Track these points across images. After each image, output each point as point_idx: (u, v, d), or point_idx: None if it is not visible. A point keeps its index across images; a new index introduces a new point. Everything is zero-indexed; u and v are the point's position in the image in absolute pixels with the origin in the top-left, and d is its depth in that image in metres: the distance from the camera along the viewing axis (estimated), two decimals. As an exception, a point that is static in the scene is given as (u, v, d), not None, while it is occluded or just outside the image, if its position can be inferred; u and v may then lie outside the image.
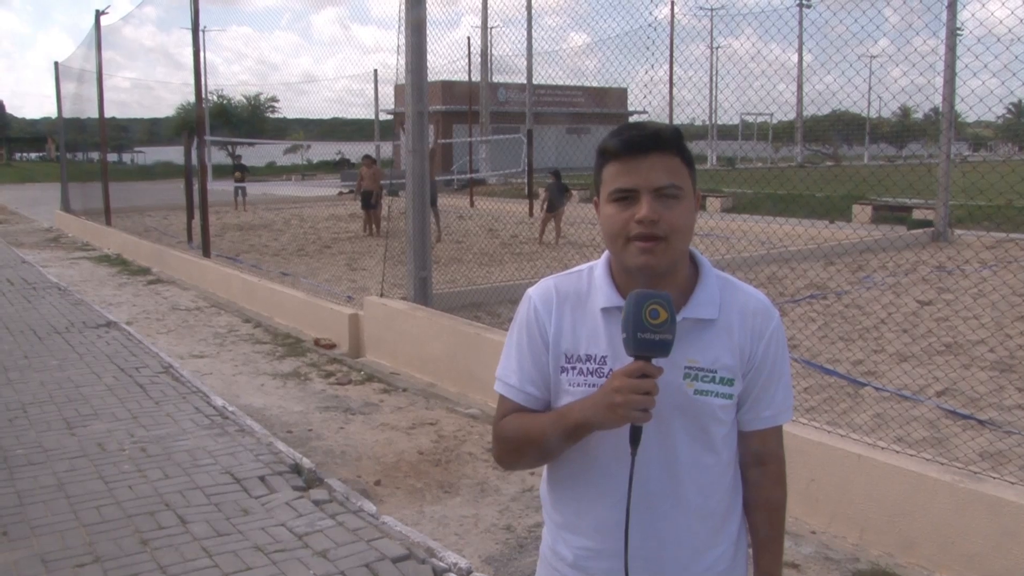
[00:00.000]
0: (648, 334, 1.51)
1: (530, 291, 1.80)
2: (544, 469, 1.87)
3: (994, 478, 4.07)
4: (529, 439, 1.72)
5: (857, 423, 5.58)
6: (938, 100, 14.82)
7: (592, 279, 1.74)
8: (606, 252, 1.75)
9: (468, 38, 27.88)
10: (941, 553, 3.92)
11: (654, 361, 1.53)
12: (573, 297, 1.74)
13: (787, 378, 1.76)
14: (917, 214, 17.85)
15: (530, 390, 1.75)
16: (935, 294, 10.38)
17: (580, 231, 16.16)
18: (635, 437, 1.57)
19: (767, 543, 1.80)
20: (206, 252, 13.00)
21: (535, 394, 1.75)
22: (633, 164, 1.61)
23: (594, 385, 1.65)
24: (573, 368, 1.70)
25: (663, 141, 1.62)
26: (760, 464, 1.78)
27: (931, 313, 9.21)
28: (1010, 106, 44.32)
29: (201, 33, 12.87)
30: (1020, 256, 12.57)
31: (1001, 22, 5.84)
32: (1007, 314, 8.90)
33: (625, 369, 1.54)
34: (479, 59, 31.40)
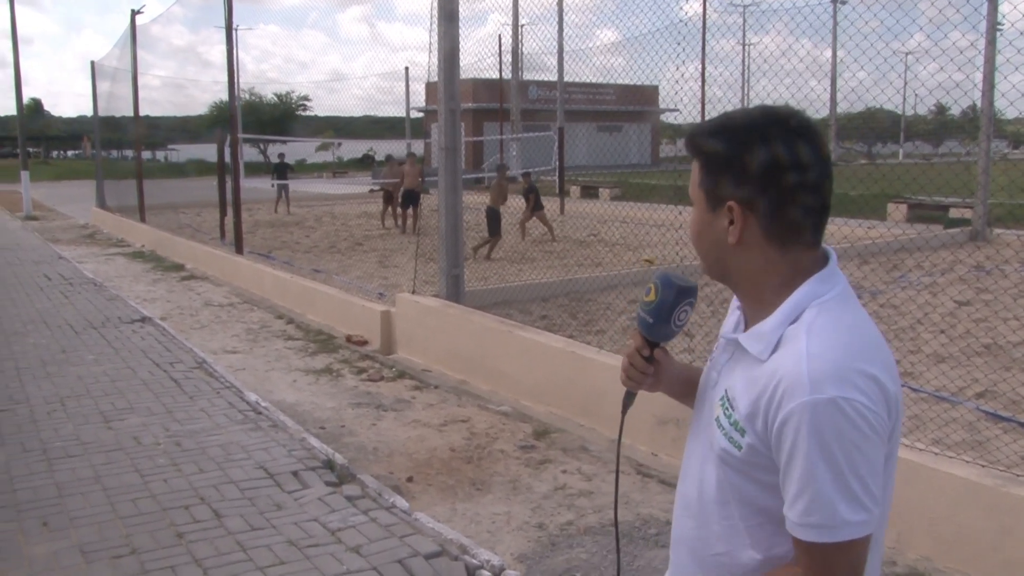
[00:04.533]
0: (640, 308, 1.60)
1: None
2: None
3: (1037, 481, 4.01)
4: None
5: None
6: (975, 96, 14.58)
7: None
8: None
9: (499, 36, 27.92)
10: (980, 558, 3.86)
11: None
12: None
13: (814, 490, 1.29)
14: (954, 213, 17.59)
15: None
16: (973, 294, 10.22)
17: (611, 230, 16.09)
18: (625, 401, 1.73)
19: None
20: (239, 249, 13.11)
21: None
22: None
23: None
24: None
25: (688, 139, 1.49)
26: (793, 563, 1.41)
27: (969, 313, 9.07)
28: (1050, 103, 43.48)
29: (232, 32, 12.91)
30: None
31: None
32: (1047, 315, 8.74)
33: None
34: (508, 57, 31.46)
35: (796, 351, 1.33)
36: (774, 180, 1.38)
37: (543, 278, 11.15)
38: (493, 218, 14.27)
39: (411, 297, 8.19)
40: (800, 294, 1.40)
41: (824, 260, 1.46)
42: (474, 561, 3.86)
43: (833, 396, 1.28)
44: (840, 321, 1.37)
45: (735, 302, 1.57)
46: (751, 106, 1.50)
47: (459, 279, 8.00)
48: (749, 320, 1.50)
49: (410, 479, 5.10)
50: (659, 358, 1.65)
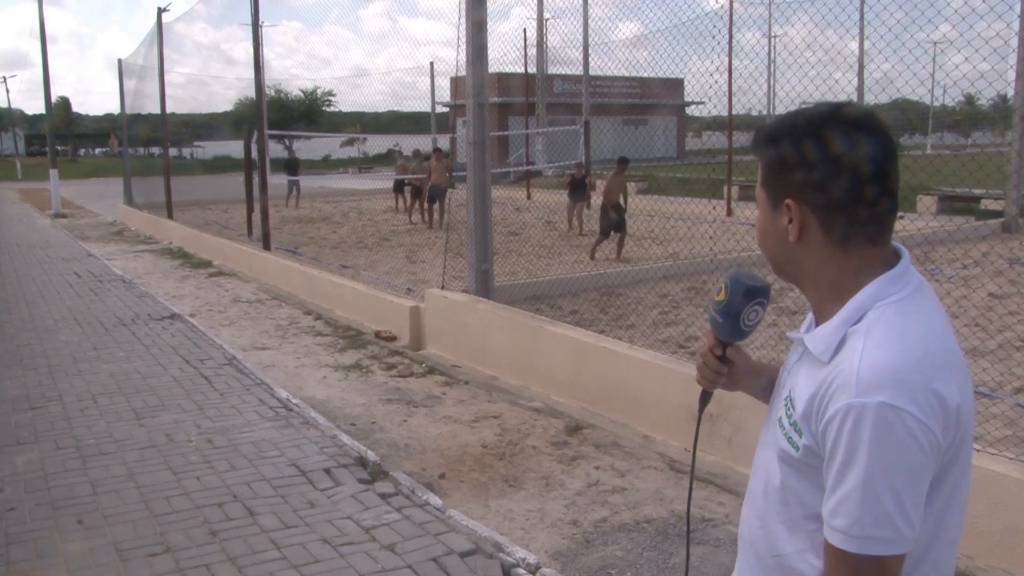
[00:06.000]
0: (711, 306, 1.61)
1: None
2: None
3: (1083, 479, 3.92)
4: None
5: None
6: (1001, 87, 14.36)
7: None
8: None
9: (524, 30, 27.78)
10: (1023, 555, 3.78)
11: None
12: None
13: (845, 492, 1.27)
14: (985, 204, 17.34)
15: None
16: (1009, 287, 10.05)
17: (639, 223, 15.99)
18: (701, 400, 1.75)
19: None
20: (266, 245, 13.14)
21: None
22: None
23: None
24: None
25: (757, 142, 1.46)
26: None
27: (1006, 307, 8.91)
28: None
29: (253, 29, 12.92)
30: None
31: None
32: (1086, 308, 8.58)
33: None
34: (531, 51, 31.33)
35: (853, 352, 1.30)
36: (829, 175, 1.34)
37: (572, 273, 11.09)
38: (614, 214, 13.30)
39: (440, 292, 8.17)
40: (864, 295, 1.36)
41: (895, 259, 1.40)
42: (509, 559, 3.82)
43: (880, 402, 1.23)
44: (905, 324, 1.31)
45: None
46: (819, 102, 1.43)
47: (488, 274, 7.96)
48: (818, 321, 1.45)
49: (442, 476, 5.08)
50: (732, 357, 1.65)
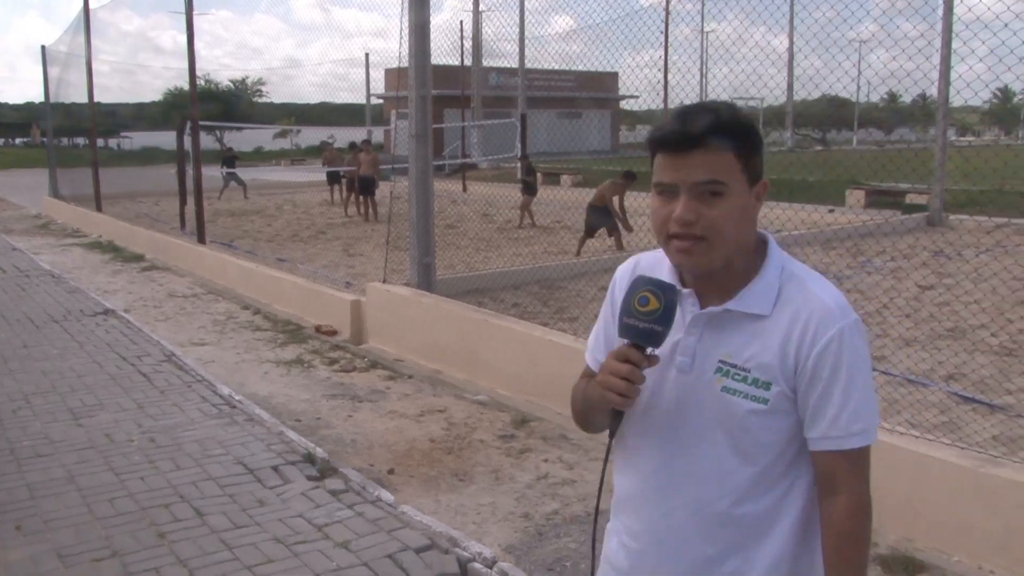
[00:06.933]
0: (632, 320, 1.53)
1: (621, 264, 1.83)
2: None
3: (1014, 462, 4.08)
4: (574, 402, 1.81)
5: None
6: (925, 86, 14.83)
7: (665, 259, 1.70)
8: None
9: (461, 22, 27.69)
10: (961, 536, 3.92)
11: (652, 351, 1.56)
12: (648, 272, 1.69)
13: (857, 398, 1.52)
14: (910, 199, 17.88)
15: (600, 357, 1.74)
16: (935, 278, 10.40)
17: (575, 215, 16.08)
18: (612, 421, 1.59)
19: None
20: (201, 238, 12.89)
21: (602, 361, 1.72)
22: (676, 157, 1.53)
23: None
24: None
25: (710, 132, 1.50)
26: (829, 493, 1.57)
27: (932, 298, 9.22)
28: (996, 91, 44.40)
29: (188, 17, 12.58)
30: (1014, 240, 12.62)
31: (988, 8, 5.88)
32: (1007, 299, 8.91)
33: (613, 351, 1.57)
34: (467, 44, 31.21)
35: (811, 293, 1.56)
36: (761, 155, 1.59)
37: (511, 266, 11.12)
38: (599, 214, 13.10)
39: (382, 286, 8.12)
40: (777, 254, 1.62)
41: None
42: (465, 554, 3.83)
43: (855, 319, 1.55)
44: (810, 271, 1.63)
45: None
46: (707, 100, 1.73)
47: (431, 268, 7.94)
48: (707, 298, 1.61)
49: (391, 471, 5.06)
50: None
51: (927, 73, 13.47)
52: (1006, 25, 6.09)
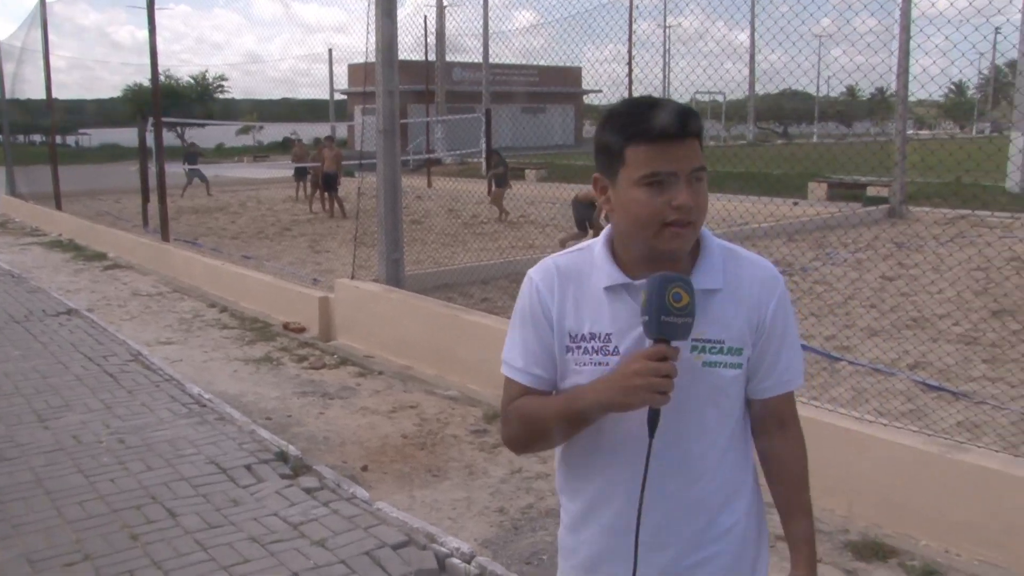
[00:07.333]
0: (672, 317, 1.53)
1: (531, 271, 1.78)
2: (557, 456, 1.86)
3: (978, 448, 4.17)
4: (539, 421, 1.71)
5: (836, 397, 5.66)
6: (886, 79, 15.07)
7: (593, 258, 1.72)
8: (606, 230, 1.75)
9: (424, 17, 27.56)
10: (928, 522, 3.99)
11: (674, 343, 1.55)
12: (575, 276, 1.72)
13: (795, 345, 1.77)
14: (871, 191, 18.13)
15: (537, 371, 1.74)
16: (899, 269, 10.56)
17: (540, 210, 16.12)
18: (653, 420, 1.57)
19: (799, 508, 1.80)
20: (164, 236, 12.72)
21: (542, 375, 1.74)
22: (669, 147, 1.57)
23: (600, 364, 1.66)
24: (578, 347, 1.70)
25: (694, 123, 1.60)
26: (781, 428, 1.79)
27: (896, 288, 9.37)
28: (952, 86, 45.24)
29: (146, 12, 12.38)
30: (974, 231, 12.84)
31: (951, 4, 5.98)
32: (968, 289, 9.08)
33: (646, 352, 1.54)
34: (431, 39, 31.09)
35: (749, 261, 1.74)
36: None
37: (478, 261, 11.11)
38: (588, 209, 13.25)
39: (350, 282, 8.08)
40: (708, 233, 1.73)
41: None
42: (443, 549, 3.83)
43: (783, 279, 1.77)
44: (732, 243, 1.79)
45: (557, 290, 1.72)
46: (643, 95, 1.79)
47: (399, 263, 7.91)
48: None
49: (365, 468, 5.04)
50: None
51: (892, 67, 13.70)
52: (967, 20, 6.20)
